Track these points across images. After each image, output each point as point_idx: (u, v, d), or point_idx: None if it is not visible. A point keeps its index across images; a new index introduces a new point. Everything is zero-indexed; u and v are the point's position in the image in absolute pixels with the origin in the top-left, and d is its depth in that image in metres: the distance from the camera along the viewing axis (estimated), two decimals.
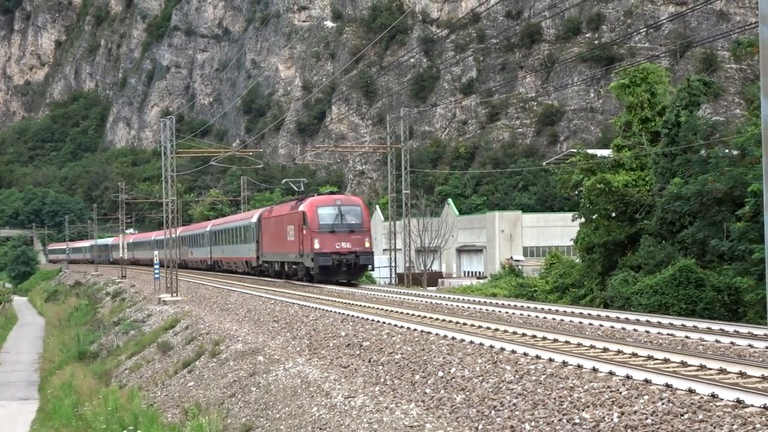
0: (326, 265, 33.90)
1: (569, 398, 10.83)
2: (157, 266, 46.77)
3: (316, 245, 34.14)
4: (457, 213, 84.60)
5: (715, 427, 8.78)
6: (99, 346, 36.30)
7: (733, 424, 8.71)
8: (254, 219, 45.04)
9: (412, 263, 48.21)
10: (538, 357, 13.11)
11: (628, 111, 33.88)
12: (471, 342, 15.20)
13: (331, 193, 39.98)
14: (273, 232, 40.76)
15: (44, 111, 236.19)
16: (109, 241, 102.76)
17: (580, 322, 17.93)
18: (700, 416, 9.12)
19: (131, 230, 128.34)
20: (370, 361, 16.11)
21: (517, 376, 12.32)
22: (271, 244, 41.58)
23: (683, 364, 11.89)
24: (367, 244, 34.85)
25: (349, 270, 34.73)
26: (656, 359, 12.41)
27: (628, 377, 11.05)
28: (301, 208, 35.99)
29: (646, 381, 10.71)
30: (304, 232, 34.90)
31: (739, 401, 9.34)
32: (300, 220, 35.52)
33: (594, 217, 34.03)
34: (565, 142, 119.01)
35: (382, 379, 14.72)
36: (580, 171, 34.87)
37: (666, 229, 29.55)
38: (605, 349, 13.57)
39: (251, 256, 45.65)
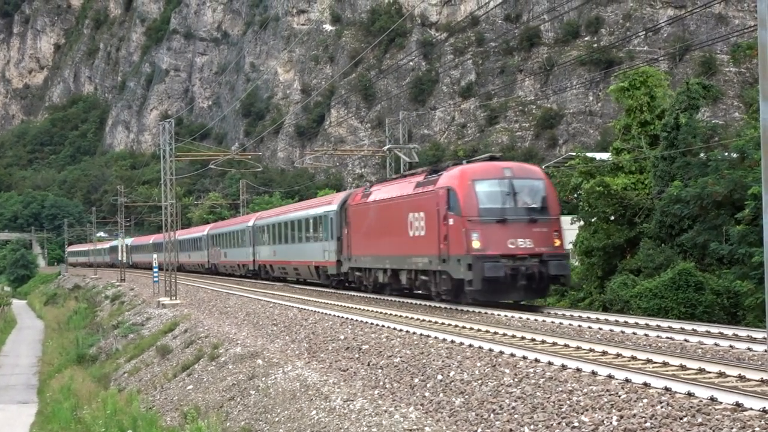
0: (495, 277, 21.10)
1: (568, 401, 10.82)
2: (156, 270, 46.77)
3: (476, 243, 21.53)
4: None
5: (714, 431, 8.77)
6: (98, 350, 36.35)
7: (732, 428, 8.70)
8: (334, 206, 33.34)
9: None
10: (537, 360, 13.10)
11: (627, 114, 33.83)
12: (470, 345, 15.20)
13: (492, 159, 24.88)
14: (375, 223, 28.27)
15: (43, 114, 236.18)
16: (128, 241, 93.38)
17: (579, 326, 17.91)
18: (699, 419, 9.12)
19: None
20: (369, 365, 16.11)
21: (516, 380, 12.32)
22: (369, 243, 28.80)
23: (682, 367, 11.89)
24: (557, 242, 22.47)
25: (531, 284, 21.82)
26: (655, 362, 12.40)
27: (627, 380, 11.04)
28: (443, 182, 23.10)
29: (645, 384, 10.70)
30: (451, 221, 22.21)
31: (738, 404, 9.34)
32: (440, 202, 22.78)
33: (593, 220, 33.97)
34: (564, 145, 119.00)
35: (381, 383, 14.71)
36: (578, 174, 34.82)
37: (665, 233, 29.50)
38: (604, 353, 13.56)
39: (327, 259, 33.83)
